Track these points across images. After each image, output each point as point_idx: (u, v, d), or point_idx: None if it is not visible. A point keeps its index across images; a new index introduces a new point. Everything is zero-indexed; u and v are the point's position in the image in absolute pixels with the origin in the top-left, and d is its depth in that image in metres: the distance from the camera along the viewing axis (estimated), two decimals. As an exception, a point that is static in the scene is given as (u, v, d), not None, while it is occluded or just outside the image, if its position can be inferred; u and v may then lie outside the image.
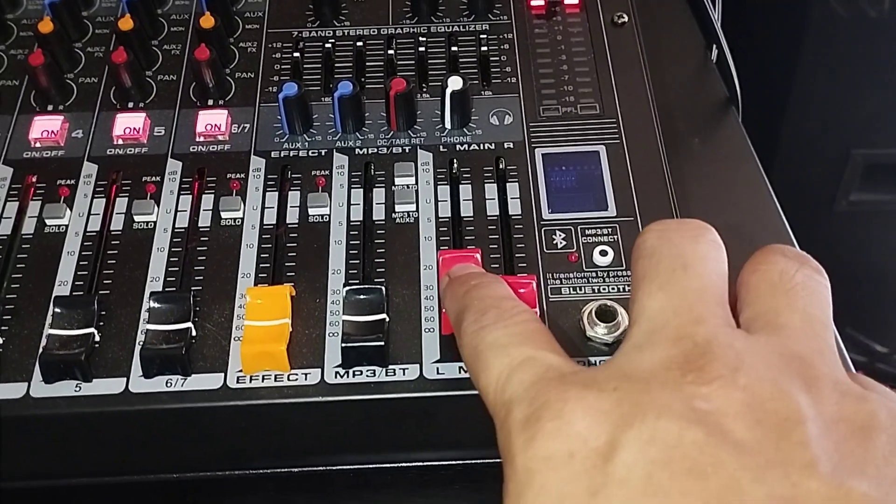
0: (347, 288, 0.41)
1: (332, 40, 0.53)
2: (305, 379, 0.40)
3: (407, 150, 0.48)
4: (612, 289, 0.43)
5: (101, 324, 0.41)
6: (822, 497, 0.22)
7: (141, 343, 0.40)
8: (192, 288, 0.43)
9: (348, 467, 0.42)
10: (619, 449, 0.23)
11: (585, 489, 0.22)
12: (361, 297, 0.41)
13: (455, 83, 0.47)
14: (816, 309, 0.28)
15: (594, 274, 0.43)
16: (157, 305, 0.40)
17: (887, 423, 0.25)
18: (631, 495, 0.22)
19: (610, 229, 0.45)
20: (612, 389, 0.25)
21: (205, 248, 0.44)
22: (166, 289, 0.43)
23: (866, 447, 0.24)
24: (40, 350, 0.40)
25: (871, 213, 0.82)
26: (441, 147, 0.48)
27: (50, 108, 0.50)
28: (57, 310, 0.40)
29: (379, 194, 0.46)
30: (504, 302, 0.32)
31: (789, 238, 0.50)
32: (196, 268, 0.44)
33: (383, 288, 0.41)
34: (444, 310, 0.38)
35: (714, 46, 0.60)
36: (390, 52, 0.53)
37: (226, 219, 0.45)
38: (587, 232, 0.45)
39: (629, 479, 0.22)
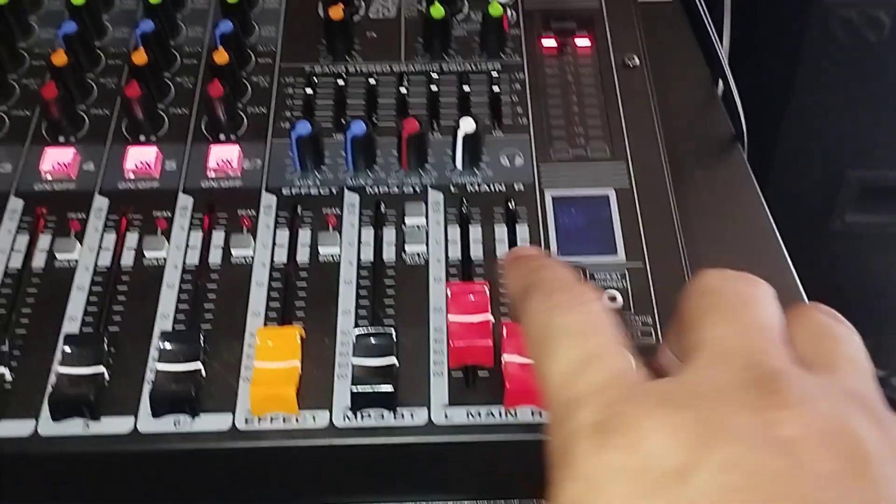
0: (357, 331, 0.41)
1: (345, 76, 0.54)
2: (314, 421, 0.40)
3: (418, 190, 0.48)
4: (621, 335, 0.43)
5: (111, 361, 0.41)
6: None
7: (150, 382, 0.40)
8: (202, 326, 0.43)
9: (354, 510, 0.42)
10: (695, 471, 0.22)
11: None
12: (371, 340, 0.41)
13: (467, 125, 0.48)
14: (862, 358, 0.28)
15: (603, 320, 0.43)
16: (167, 345, 0.40)
17: None
18: None
19: (619, 274, 0.45)
20: (688, 406, 0.24)
21: (215, 285, 0.44)
22: (176, 326, 0.43)
23: None
24: (50, 388, 0.40)
25: (866, 234, 0.82)
26: (452, 187, 0.48)
27: (62, 139, 0.50)
28: (67, 348, 0.40)
29: (389, 234, 0.46)
30: (575, 286, 0.30)
31: (797, 287, 0.50)
32: (206, 305, 0.44)
33: (393, 331, 0.41)
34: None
35: (720, 81, 0.61)
36: (402, 89, 0.53)
37: (236, 256, 0.45)
38: (596, 276, 0.45)
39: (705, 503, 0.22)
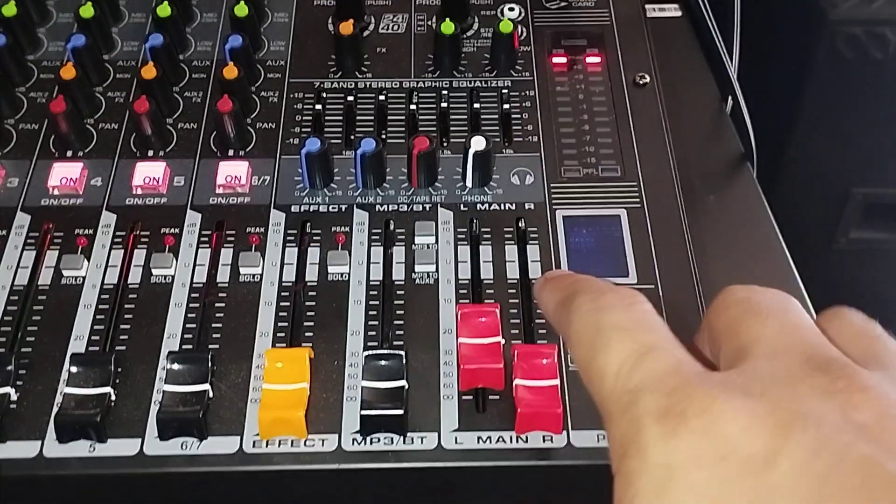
0: (367, 353, 0.41)
1: (354, 92, 0.53)
2: (322, 445, 0.39)
3: (427, 208, 0.48)
4: (633, 359, 0.42)
5: (117, 381, 0.41)
6: None
7: (157, 403, 0.40)
8: (210, 346, 0.42)
9: (362, 534, 0.42)
10: (779, 458, 0.21)
11: (746, 496, 0.21)
12: (381, 362, 0.40)
13: (478, 144, 0.47)
14: None
15: (615, 343, 0.43)
16: (174, 366, 0.40)
17: None
18: None
19: (631, 297, 0.44)
20: (760, 394, 0.23)
21: (223, 304, 0.44)
22: (183, 346, 0.42)
23: None
24: (56, 409, 0.39)
25: (870, 250, 0.82)
26: (461, 206, 0.48)
27: (69, 153, 0.50)
28: (73, 368, 0.40)
29: (399, 253, 0.46)
30: (621, 289, 0.29)
31: (805, 304, 0.50)
32: (213, 325, 0.43)
33: (403, 354, 0.41)
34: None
35: (729, 98, 0.60)
36: (412, 106, 0.53)
37: (244, 275, 0.45)
38: (608, 299, 0.44)
39: (796, 490, 0.21)
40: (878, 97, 0.71)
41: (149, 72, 0.50)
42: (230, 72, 0.50)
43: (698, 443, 0.22)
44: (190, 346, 0.42)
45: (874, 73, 0.70)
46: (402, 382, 0.40)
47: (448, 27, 0.52)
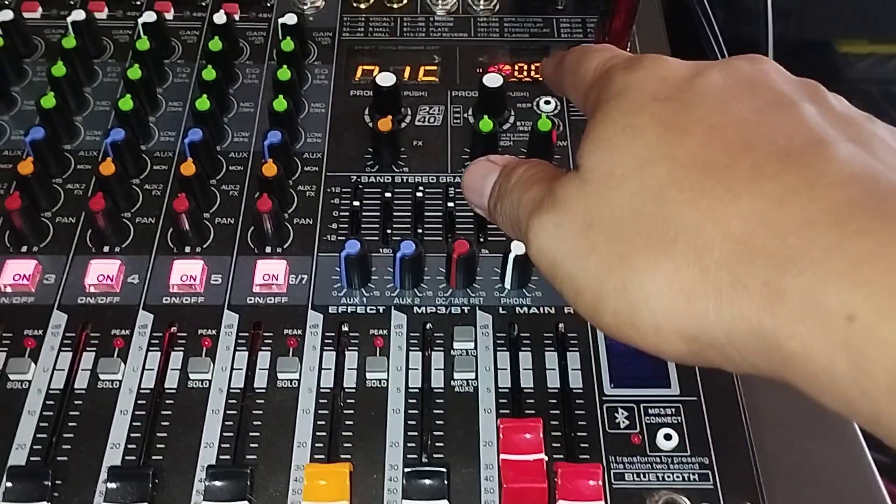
0: (408, 470, 0.40)
1: (391, 187, 0.53)
2: (362, 565, 0.39)
3: (466, 311, 0.47)
4: (678, 477, 0.41)
5: (154, 494, 0.40)
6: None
7: (194, 519, 0.39)
8: (247, 456, 0.42)
9: None
10: (700, 77, 0.30)
11: (675, 91, 0.30)
12: (422, 481, 0.40)
13: (518, 248, 0.47)
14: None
15: (658, 459, 0.42)
16: (213, 483, 0.39)
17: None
18: (709, 99, 0.29)
19: (674, 409, 0.44)
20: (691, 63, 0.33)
21: (260, 411, 0.43)
22: (220, 456, 0.42)
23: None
24: (93, 527, 0.39)
25: None
26: (500, 309, 0.48)
27: (106, 249, 0.49)
28: (111, 484, 0.39)
29: (437, 358, 0.46)
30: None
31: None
32: (251, 433, 0.43)
33: (445, 472, 0.40)
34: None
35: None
36: (449, 203, 0.52)
37: (282, 380, 0.44)
38: (650, 411, 0.44)
39: (709, 89, 0.30)
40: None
41: (188, 168, 0.49)
42: (269, 170, 0.49)
43: (649, 72, 0.32)
44: (227, 456, 0.42)
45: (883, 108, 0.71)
46: (445, 503, 0.39)
47: (486, 125, 0.52)
